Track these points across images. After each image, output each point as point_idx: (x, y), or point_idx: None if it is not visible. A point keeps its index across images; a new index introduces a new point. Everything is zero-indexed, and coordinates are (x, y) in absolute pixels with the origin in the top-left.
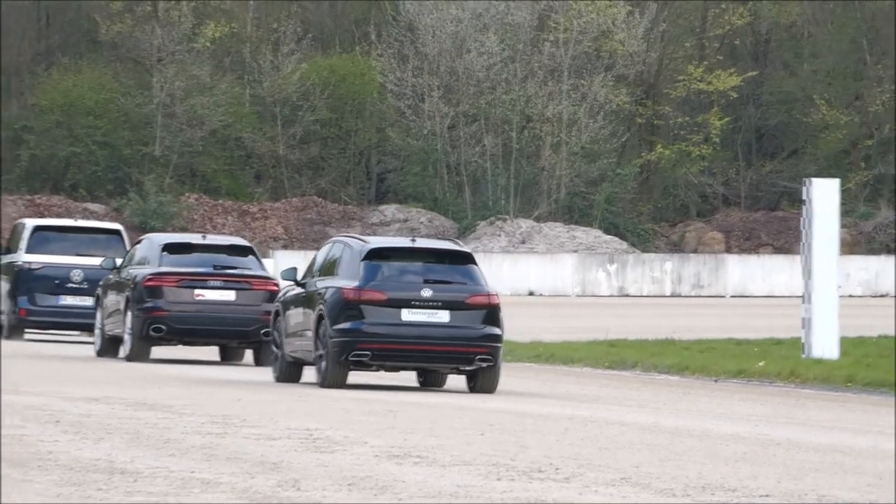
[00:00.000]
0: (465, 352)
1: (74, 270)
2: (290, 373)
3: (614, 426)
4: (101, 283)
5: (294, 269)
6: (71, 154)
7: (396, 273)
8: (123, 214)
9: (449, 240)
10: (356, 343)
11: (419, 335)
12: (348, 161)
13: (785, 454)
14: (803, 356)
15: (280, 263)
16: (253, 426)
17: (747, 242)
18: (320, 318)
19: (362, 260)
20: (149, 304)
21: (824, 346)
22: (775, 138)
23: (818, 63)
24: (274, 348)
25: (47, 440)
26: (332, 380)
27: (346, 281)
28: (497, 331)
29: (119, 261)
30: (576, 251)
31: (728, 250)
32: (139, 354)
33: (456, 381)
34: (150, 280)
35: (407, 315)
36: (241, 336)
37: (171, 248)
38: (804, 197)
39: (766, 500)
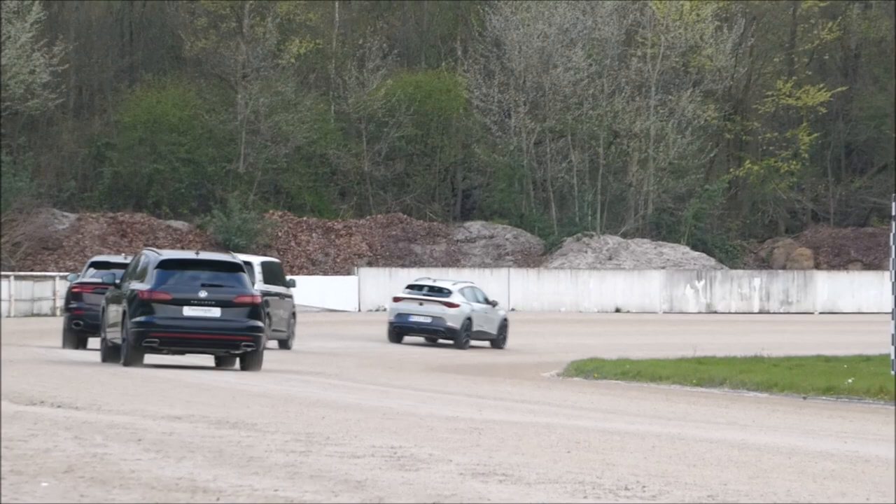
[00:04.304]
0: (233, 339)
1: None
2: (111, 355)
3: (702, 443)
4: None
5: (113, 274)
6: (154, 171)
7: (182, 279)
8: (207, 231)
9: (227, 253)
10: (148, 332)
11: (197, 326)
12: (433, 177)
13: (874, 471)
14: (892, 372)
15: (364, 280)
16: (337, 444)
17: (836, 259)
18: (124, 313)
19: (155, 268)
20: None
21: None
22: (864, 154)
23: None
24: (101, 335)
25: (129, 458)
26: (131, 360)
27: (143, 284)
28: (259, 323)
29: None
30: (663, 268)
31: (817, 267)
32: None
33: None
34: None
35: (188, 311)
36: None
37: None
38: (893, 213)
39: None
